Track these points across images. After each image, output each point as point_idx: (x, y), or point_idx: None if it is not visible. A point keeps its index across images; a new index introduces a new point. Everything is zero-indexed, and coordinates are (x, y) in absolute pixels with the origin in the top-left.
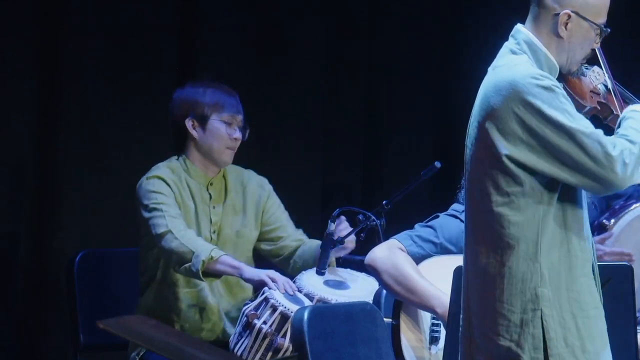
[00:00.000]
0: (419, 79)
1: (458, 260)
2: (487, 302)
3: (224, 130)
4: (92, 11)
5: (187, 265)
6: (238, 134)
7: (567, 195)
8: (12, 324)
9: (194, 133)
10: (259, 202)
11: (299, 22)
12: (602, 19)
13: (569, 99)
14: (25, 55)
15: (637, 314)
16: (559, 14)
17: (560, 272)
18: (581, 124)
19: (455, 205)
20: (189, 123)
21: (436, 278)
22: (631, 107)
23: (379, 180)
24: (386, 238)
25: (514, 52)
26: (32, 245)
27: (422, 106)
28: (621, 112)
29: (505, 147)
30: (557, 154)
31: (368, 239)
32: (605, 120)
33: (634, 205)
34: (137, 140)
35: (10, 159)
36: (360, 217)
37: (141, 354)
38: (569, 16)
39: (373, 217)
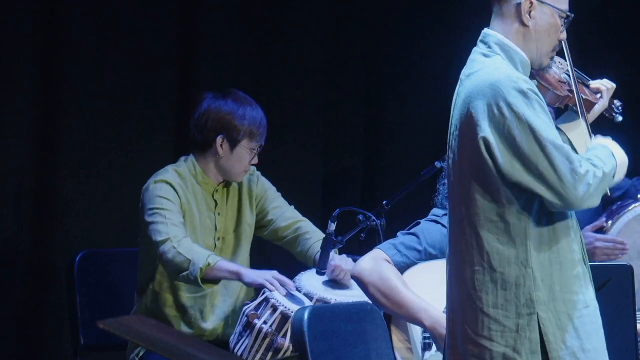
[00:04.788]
0: (419, 72)
1: (443, 265)
2: (476, 308)
3: (248, 158)
4: (92, 11)
5: (185, 273)
6: (256, 159)
7: None
8: (12, 324)
9: (219, 151)
10: (250, 189)
11: (299, 10)
12: (564, 6)
13: (543, 105)
14: (25, 56)
15: (637, 314)
16: (520, 2)
17: (552, 273)
18: (553, 135)
19: (434, 210)
20: (218, 140)
21: (422, 286)
22: (597, 140)
23: (381, 174)
24: (386, 238)
25: (486, 56)
26: (32, 246)
27: (423, 99)
28: (584, 95)
29: (485, 152)
30: (524, 160)
31: (368, 239)
32: (574, 107)
33: (632, 206)
34: (137, 141)
35: (10, 159)
36: (360, 217)
37: (140, 354)
38: (531, 3)
39: (373, 217)
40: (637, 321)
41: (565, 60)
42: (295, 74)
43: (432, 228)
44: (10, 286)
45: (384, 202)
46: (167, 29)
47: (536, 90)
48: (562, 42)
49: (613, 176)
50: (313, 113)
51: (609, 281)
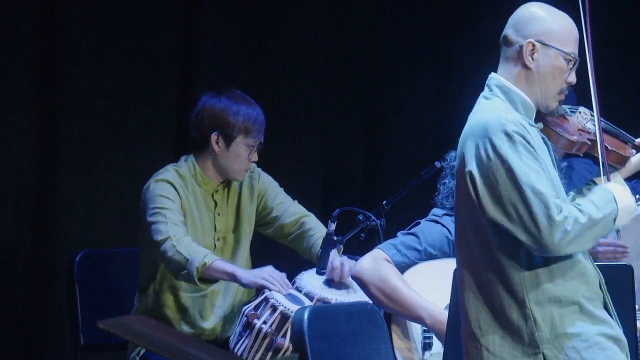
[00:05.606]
0: (419, 72)
1: (442, 265)
2: (481, 348)
3: (245, 155)
4: (92, 11)
5: (184, 272)
6: (256, 157)
7: None
8: (12, 324)
9: (215, 148)
10: (252, 185)
11: (299, 10)
12: (569, 48)
13: (529, 148)
14: (25, 56)
15: (637, 314)
16: (523, 45)
17: (552, 312)
18: (534, 180)
19: (434, 210)
20: (213, 137)
21: (422, 285)
22: (607, 184)
23: (381, 174)
24: (386, 238)
25: (486, 98)
26: (32, 246)
27: (423, 99)
28: (610, 146)
29: (470, 186)
30: (503, 204)
31: (368, 239)
32: (601, 158)
33: None
34: (137, 141)
35: (10, 159)
36: (360, 217)
37: (141, 354)
38: (533, 45)
39: (373, 217)
40: (637, 321)
41: (591, 110)
42: (295, 74)
43: (432, 228)
44: (10, 286)
45: (384, 202)
46: (167, 29)
47: (525, 133)
48: (591, 88)
49: (614, 220)
50: (313, 113)
51: (609, 281)
